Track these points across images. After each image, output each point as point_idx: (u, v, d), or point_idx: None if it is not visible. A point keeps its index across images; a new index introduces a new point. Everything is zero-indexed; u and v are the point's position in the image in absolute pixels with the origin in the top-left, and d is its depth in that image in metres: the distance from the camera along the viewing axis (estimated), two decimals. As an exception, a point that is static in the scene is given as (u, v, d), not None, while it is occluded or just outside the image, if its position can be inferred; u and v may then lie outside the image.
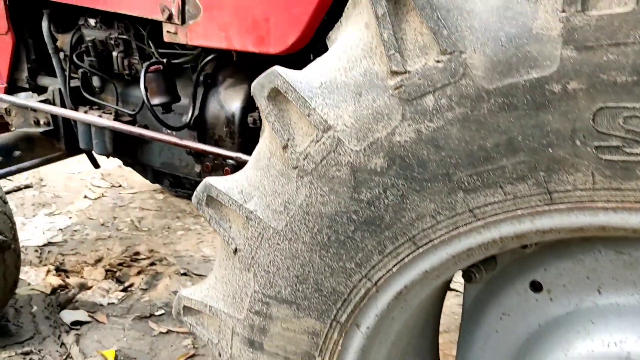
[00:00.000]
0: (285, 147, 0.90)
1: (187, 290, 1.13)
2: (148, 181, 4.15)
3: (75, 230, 3.54)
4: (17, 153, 2.78)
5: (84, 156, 4.61)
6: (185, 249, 3.39)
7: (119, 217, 3.74)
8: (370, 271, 0.92)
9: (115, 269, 3.10)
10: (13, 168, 2.67)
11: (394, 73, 0.81)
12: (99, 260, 3.20)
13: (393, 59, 0.80)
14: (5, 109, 2.77)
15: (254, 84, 0.96)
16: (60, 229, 3.53)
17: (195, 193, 1.05)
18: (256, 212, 0.95)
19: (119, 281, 3.01)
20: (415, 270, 0.90)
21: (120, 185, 4.22)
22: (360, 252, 0.91)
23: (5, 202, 2.32)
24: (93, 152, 2.86)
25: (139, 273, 3.09)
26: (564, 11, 0.70)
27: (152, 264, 3.19)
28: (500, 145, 0.78)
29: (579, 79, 0.71)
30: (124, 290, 2.93)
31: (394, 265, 0.90)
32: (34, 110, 2.71)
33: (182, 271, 3.13)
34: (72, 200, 3.94)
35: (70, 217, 3.69)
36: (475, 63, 0.76)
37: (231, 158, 2.10)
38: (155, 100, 2.22)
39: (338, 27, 1.01)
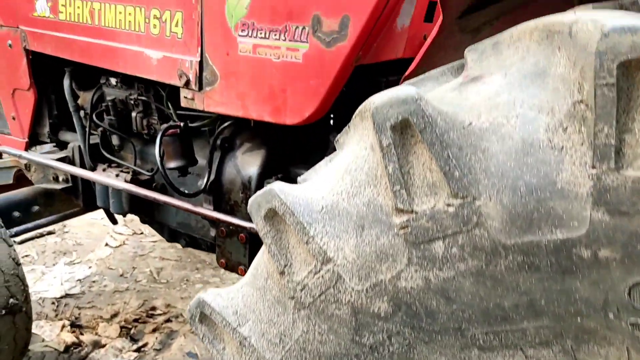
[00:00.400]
0: (282, 273, 0.82)
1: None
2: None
3: (93, 281, 3.49)
4: (35, 208, 2.77)
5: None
6: (203, 304, 3.31)
7: (139, 268, 3.70)
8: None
9: (130, 326, 3.04)
10: (30, 225, 2.66)
11: (400, 211, 0.72)
12: (114, 315, 3.14)
13: (399, 195, 0.71)
14: (25, 164, 2.76)
15: (250, 201, 0.88)
16: (79, 280, 3.50)
17: (189, 308, 0.97)
18: (250, 339, 0.86)
19: (133, 339, 2.94)
20: None
21: (142, 233, 4.19)
22: (362, 396, 0.81)
23: (19, 265, 2.28)
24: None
25: (154, 331, 3.01)
26: (594, 167, 0.61)
27: (168, 320, 3.12)
28: (520, 307, 0.68)
29: (612, 246, 0.61)
30: (137, 350, 2.85)
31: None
32: (51, 167, 2.69)
33: (197, 330, 3.04)
34: (93, 248, 3.91)
35: (90, 267, 3.66)
36: (491, 213, 0.67)
37: (245, 228, 2.03)
38: (172, 164, 2.18)
39: (346, 132, 0.94)
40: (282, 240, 0.82)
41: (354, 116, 0.90)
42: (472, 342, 0.72)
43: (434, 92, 0.77)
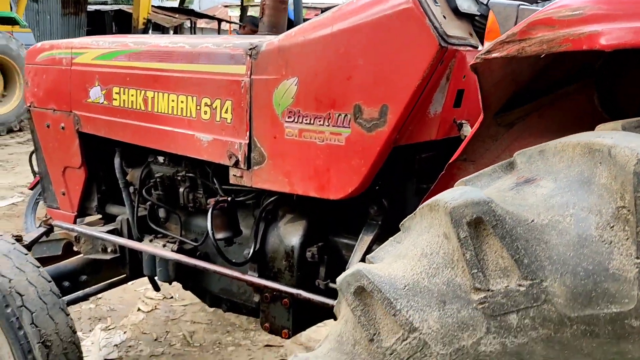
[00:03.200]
0: (371, 340, 0.99)
1: None
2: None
3: (130, 346, 3.62)
4: (83, 277, 2.94)
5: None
6: (237, 366, 3.43)
7: (171, 332, 3.82)
8: None
9: (169, 390, 3.15)
10: (80, 294, 2.83)
11: (478, 289, 0.90)
12: (153, 379, 3.25)
13: (476, 277, 0.90)
14: (76, 236, 2.95)
15: (340, 279, 1.06)
16: (116, 345, 3.63)
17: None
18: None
19: (173, 403, 3.05)
20: None
21: (172, 297, 4.33)
22: None
23: (75, 332, 2.43)
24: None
25: (192, 394, 3.12)
26: (637, 258, 0.80)
27: (205, 383, 3.23)
28: None
29: None
30: (179, 414, 2.96)
31: None
32: (102, 239, 2.88)
33: (234, 392, 3.15)
34: (126, 314, 4.05)
35: (125, 332, 3.79)
36: (556, 292, 0.85)
37: (291, 294, 2.20)
38: (220, 235, 2.36)
39: (413, 218, 1.12)
40: (370, 313, 1.00)
41: (421, 206, 1.09)
42: None
43: (493, 190, 0.96)
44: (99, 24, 23.45)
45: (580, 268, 0.84)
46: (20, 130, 11.36)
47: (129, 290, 4.43)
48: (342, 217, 2.32)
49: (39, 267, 2.46)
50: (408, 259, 1.02)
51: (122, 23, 23.01)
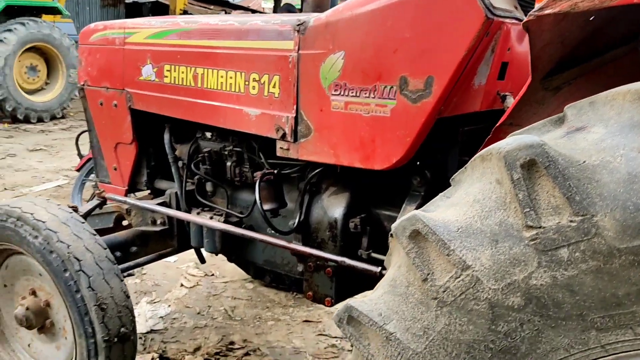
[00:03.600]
0: (425, 280, 1.07)
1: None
2: (238, 271, 4.42)
3: (174, 319, 3.77)
4: (133, 249, 3.07)
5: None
6: (277, 339, 3.54)
7: (213, 306, 3.96)
8: (503, 392, 1.04)
9: (212, 358, 3.28)
10: (132, 263, 2.96)
11: (530, 227, 0.97)
12: (197, 348, 3.39)
13: (528, 215, 0.96)
14: (127, 209, 3.09)
15: (396, 224, 1.14)
16: (161, 317, 3.78)
17: (337, 312, 1.21)
18: (396, 334, 1.10)
19: (217, 371, 3.18)
20: None
21: (212, 274, 4.47)
22: (495, 376, 1.04)
23: (128, 297, 2.56)
24: (202, 250, 3.13)
25: (235, 363, 3.25)
26: None
27: (247, 353, 3.35)
28: (632, 295, 0.92)
29: None
30: (223, 380, 3.09)
31: (525, 388, 1.02)
32: (152, 211, 3.01)
33: (275, 362, 3.27)
34: (170, 289, 4.20)
35: (169, 305, 3.94)
36: (607, 225, 0.91)
37: (335, 261, 2.28)
38: (266, 206, 2.46)
39: (464, 171, 1.19)
40: (424, 255, 1.07)
41: (473, 159, 1.16)
42: (591, 325, 0.95)
43: (544, 139, 1.02)
44: (136, 16, 23.82)
45: (630, 203, 0.90)
46: (63, 117, 11.72)
47: (172, 267, 4.59)
48: (384, 189, 2.39)
49: (95, 235, 2.60)
50: (460, 206, 1.08)
51: (160, 15, 23.37)
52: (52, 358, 2.80)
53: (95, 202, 3.09)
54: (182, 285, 4.28)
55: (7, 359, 2.90)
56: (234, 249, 2.85)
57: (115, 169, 3.17)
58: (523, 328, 0.99)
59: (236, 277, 4.41)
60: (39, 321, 2.71)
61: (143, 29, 2.84)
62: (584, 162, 0.94)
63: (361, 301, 1.18)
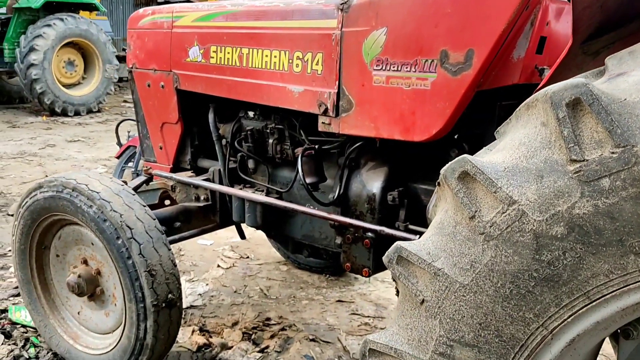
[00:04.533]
0: (472, 217, 1.16)
1: (374, 335, 1.37)
2: (272, 254, 4.54)
3: (212, 296, 3.91)
4: (177, 224, 3.21)
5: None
6: (311, 317, 3.65)
7: (249, 286, 4.09)
8: (547, 321, 1.13)
9: (250, 332, 3.40)
10: (176, 237, 3.10)
11: (573, 161, 1.06)
12: (235, 323, 3.52)
13: (573, 150, 1.05)
14: (172, 186, 3.23)
15: (445, 168, 1.23)
16: (200, 294, 3.92)
17: (387, 254, 1.31)
18: (444, 270, 1.20)
19: (255, 343, 3.30)
20: (587, 321, 1.11)
21: (248, 257, 4.61)
22: (538, 304, 1.12)
23: (175, 265, 2.70)
24: (242, 225, 3.26)
25: (272, 337, 3.36)
26: None
27: (283, 329, 3.47)
28: None
29: None
30: (261, 351, 3.21)
31: (569, 317, 1.11)
32: (196, 187, 3.15)
33: (310, 337, 3.37)
34: (207, 269, 4.35)
35: (207, 284, 4.08)
36: None
37: (374, 231, 2.38)
38: (308, 179, 2.56)
39: (508, 123, 1.28)
40: (472, 194, 1.16)
41: (517, 109, 1.25)
42: (630, 250, 1.03)
43: None
44: (168, 14, 24.23)
45: None
46: (99, 111, 12.03)
47: (208, 249, 4.74)
48: (421, 163, 2.48)
49: (144, 206, 2.74)
50: (506, 150, 1.17)
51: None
52: (101, 324, 2.96)
53: (142, 178, 3.24)
54: (218, 266, 4.42)
55: (57, 325, 3.06)
56: (273, 224, 2.97)
57: (160, 148, 3.31)
58: (565, 256, 1.08)
59: (270, 259, 4.54)
60: (90, 288, 2.87)
61: (190, 13, 2.98)
62: (625, 99, 1.03)
63: (410, 243, 1.27)
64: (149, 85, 3.24)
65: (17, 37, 10.94)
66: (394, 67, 2.17)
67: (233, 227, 5.28)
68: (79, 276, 2.84)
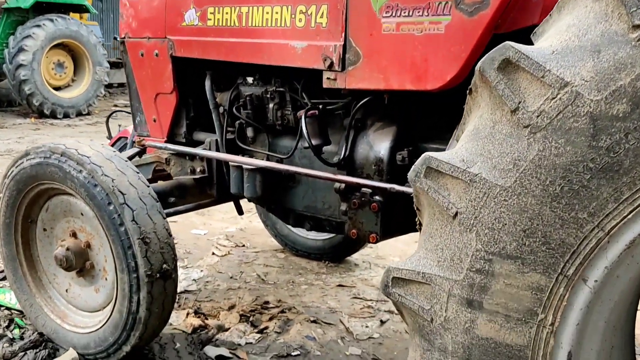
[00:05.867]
0: (515, 110, 1.03)
1: (397, 263, 1.24)
2: (269, 243, 4.39)
3: (207, 282, 3.74)
4: (171, 199, 3.06)
5: (209, 219, 4.93)
6: (311, 300, 3.50)
7: (246, 272, 3.93)
8: (603, 220, 0.99)
9: (248, 314, 3.24)
10: (171, 210, 2.94)
11: (637, 27, 0.93)
12: (232, 306, 3.35)
13: (635, 14, 0.92)
14: (166, 159, 3.08)
15: (483, 60, 1.10)
16: (194, 280, 3.75)
17: (413, 168, 1.18)
18: (481, 174, 1.06)
19: (254, 325, 3.14)
20: None
21: (243, 245, 4.45)
22: (594, 200, 0.99)
23: (170, 235, 2.54)
24: (240, 198, 3.11)
25: (271, 319, 3.21)
26: None
27: (282, 311, 3.31)
28: None
29: None
30: (260, 332, 3.05)
31: (630, 212, 0.97)
32: (192, 159, 3.01)
33: (311, 319, 3.22)
34: (201, 257, 4.19)
35: (201, 270, 3.92)
36: None
37: (383, 190, 2.24)
38: (312, 141, 2.43)
39: (547, 20, 1.16)
40: (514, 84, 1.03)
41: (557, 4, 1.12)
42: None
43: None
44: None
45: None
46: (88, 114, 11.84)
47: (202, 239, 4.59)
48: (432, 122, 2.36)
49: (138, 172, 2.59)
50: (552, 37, 1.05)
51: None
52: (90, 301, 2.79)
53: (135, 149, 3.09)
54: (213, 254, 4.26)
55: (44, 304, 2.89)
56: (273, 196, 2.82)
57: (154, 121, 3.17)
58: (628, 138, 0.95)
59: (267, 247, 4.39)
60: (79, 262, 2.71)
61: (187, -26, 2.85)
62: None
63: (440, 153, 1.14)
64: (142, 55, 3.11)
65: (6, 38, 10.77)
66: (404, 12, 2.05)
67: (227, 217, 5.17)
68: (67, 249, 2.68)
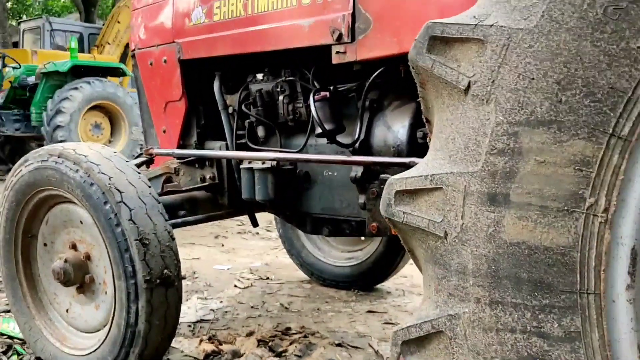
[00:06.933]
0: None
1: (398, 175, 0.97)
2: (294, 274, 4.10)
3: (226, 311, 3.46)
4: (181, 213, 2.85)
5: (233, 255, 4.70)
6: (338, 326, 3.17)
7: (268, 302, 3.63)
8: (665, 45, 0.72)
9: (267, 340, 2.93)
10: (179, 220, 2.72)
11: None
12: (250, 333, 3.05)
13: None
14: (175, 168, 2.90)
15: None
16: (212, 309, 3.48)
17: (414, 44, 0.94)
18: (497, 23, 0.81)
19: (272, 350, 2.82)
20: None
21: (267, 278, 4.17)
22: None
23: (173, 239, 2.31)
24: (253, 208, 2.88)
25: (291, 343, 2.89)
26: None
27: (305, 336, 2.99)
28: None
29: None
30: (278, 355, 2.73)
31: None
32: (201, 167, 2.81)
33: (336, 342, 2.88)
34: (222, 289, 3.92)
35: (221, 301, 3.65)
36: None
37: (405, 164, 1.98)
38: (325, 126, 2.21)
39: None
40: None
41: None
42: None
43: None
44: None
45: None
46: (124, 173, 11.93)
47: (225, 273, 4.33)
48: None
49: (139, 172, 2.40)
50: None
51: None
52: (90, 320, 2.54)
53: (141, 158, 2.92)
54: (235, 286, 3.99)
55: (43, 327, 2.66)
56: (288, 200, 2.58)
57: (164, 132, 3.01)
58: None
59: (293, 277, 4.11)
60: (78, 276, 2.49)
61: (193, -26, 2.75)
62: None
63: (442, 19, 0.90)
64: (151, 64, 3.00)
65: (45, 102, 11.08)
66: (416, -36, 1.86)
67: (252, 254, 4.91)
68: (66, 261, 2.47)
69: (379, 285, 3.83)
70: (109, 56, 15.14)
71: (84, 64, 11.39)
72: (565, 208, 0.77)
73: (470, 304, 0.84)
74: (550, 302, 0.77)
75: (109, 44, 15.82)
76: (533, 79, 0.79)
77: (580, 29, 0.75)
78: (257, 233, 5.68)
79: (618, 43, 0.74)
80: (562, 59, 0.77)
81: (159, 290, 2.23)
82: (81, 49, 14.64)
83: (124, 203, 2.22)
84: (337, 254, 3.85)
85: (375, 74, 2.13)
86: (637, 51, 0.73)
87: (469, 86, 0.85)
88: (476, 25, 0.83)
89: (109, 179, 2.26)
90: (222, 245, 5.21)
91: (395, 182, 0.96)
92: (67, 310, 2.64)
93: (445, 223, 0.88)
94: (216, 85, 2.75)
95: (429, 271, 0.95)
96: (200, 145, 2.96)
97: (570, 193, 0.77)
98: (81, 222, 2.48)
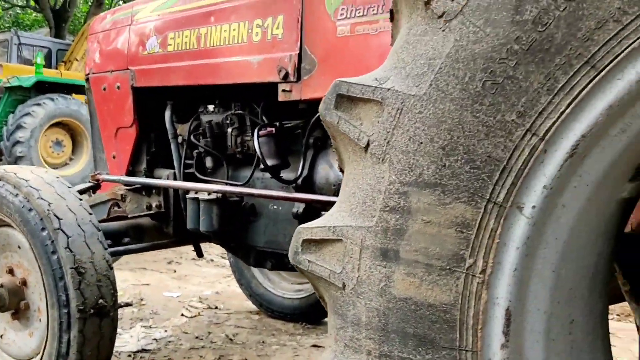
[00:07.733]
0: (428, 3, 0.83)
1: (306, 224, 1.00)
2: (244, 305, 4.08)
3: (169, 341, 3.41)
4: (126, 240, 2.83)
5: (184, 282, 4.65)
6: (281, 360, 3.15)
7: (214, 333, 3.59)
8: (536, 120, 0.76)
9: (207, 373, 2.90)
10: (121, 248, 2.70)
11: None
12: (191, 365, 3.01)
13: None
14: (122, 195, 2.88)
15: None
16: (155, 339, 3.42)
17: (324, 99, 0.97)
18: (394, 88, 0.85)
19: (211, 383, 2.79)
20: (595, 107, 0.74)
21: (216, 307, 4.13)
22: (523, 94, 0.77)
23: (111, 268, 2.29)
24: (198, 238, 2.87)
25: (232, 377, 2.86)
26: None
27: (246, 370, 2.96)
28: None
29: None
30: (216, 389, 2.70)
31: (568, 105, 0.74)
32: (148, 195, 2.80)
33: (277, 377, 2.87)
34: (169, 317, 3.86)
35: (165, 330, 3.59)
36: None
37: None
38: (269, 162, 2.24)
39: None
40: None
41: None
42: None
43: None
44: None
45: None
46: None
47: (174, 301, 4.27)
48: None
49: (81, 199, 2.38)
50: None
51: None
52: (24, 347, 2.48)
53: (87, 184, 2.89)
54: (182, 315, 3.94)
55: (-24, 354, 2.58)
56: (232, 231, 2.59)
57: (114, 157, 3.00)
58: (557, 3, 0.74)
59: (242, 308, 4.08)
60: (13, 302, 2.43)
61: (150, 3, 2.79)
62: None
63: (349, 79, 0.94)
64: (104, 89, 2.99)
65: (6, 117, 10.88)
66: (359, 12, 1.93)
67: (204, 281, 4.86)
68: (1, 285, 2.41)
69: (326, 319, 3.82)
70: (76, 72, 14.94)
71: (48, 80, 11.25)
72: (448, 267, 0.81)
73: (362, 356, 0.86)
74: (432, 357, 0.80)
75: (77, 60, 15.63)
76: (422, 142, 0.83)
77: (462, 100, 0.80)
78: (212, 260, 5.63)
79: (495, 115, 0.79)
80: (447, 126, 0.81)
81: (92, 320, 2.19)
82: (49, 65, 14.43)
83: (62, 230, 2.20)
84: (287, 286, 3.85)
85: (319, 113, 2.17)
86: (512, 124, 0.78)
87: (368, 144, 0.89)
88: (376, 87, 0.88)
89: (49, 204, 2.24)
90: (175, 272, 5.15)
91: (303, 230, 0.99)
92: (1, 336, 2.57)
93: (344, 274, 0.91)
94: (167, 114, 2.76)
95: (330, 320, 0.97)
96: (149, 172, 2.95)
97: (452, 253, 0.81)
98: (19, 247, 2.43)
